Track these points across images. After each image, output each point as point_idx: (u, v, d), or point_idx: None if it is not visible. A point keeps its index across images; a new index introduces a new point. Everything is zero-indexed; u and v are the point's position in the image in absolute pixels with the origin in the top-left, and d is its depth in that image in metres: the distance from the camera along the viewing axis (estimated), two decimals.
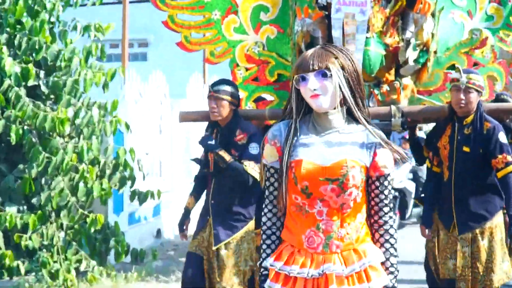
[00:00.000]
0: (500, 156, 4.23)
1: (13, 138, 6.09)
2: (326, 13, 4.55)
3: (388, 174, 2.24)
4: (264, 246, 2.36)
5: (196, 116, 5.40)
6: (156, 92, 8.72)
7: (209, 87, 4.73)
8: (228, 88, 4.42)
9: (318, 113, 2.21)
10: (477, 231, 4.21)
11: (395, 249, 2.28)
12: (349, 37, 4.37)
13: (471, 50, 4.98)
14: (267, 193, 2.30)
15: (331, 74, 2.11)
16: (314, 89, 2.11)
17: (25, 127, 6.26)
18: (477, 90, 4.24)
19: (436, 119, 4.94)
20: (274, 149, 2.24)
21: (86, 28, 6.92)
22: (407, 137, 6.70)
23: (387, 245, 2.28)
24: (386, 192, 2.27)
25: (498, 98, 5.25)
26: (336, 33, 4.39)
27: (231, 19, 5.38)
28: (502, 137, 4.35)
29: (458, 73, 4.26)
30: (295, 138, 2.20)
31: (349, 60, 2.19)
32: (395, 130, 4.80)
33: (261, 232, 2.40)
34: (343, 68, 2.15)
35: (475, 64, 4.97)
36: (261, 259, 2.35)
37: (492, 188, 4.41)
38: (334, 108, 2.18)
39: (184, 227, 4.84)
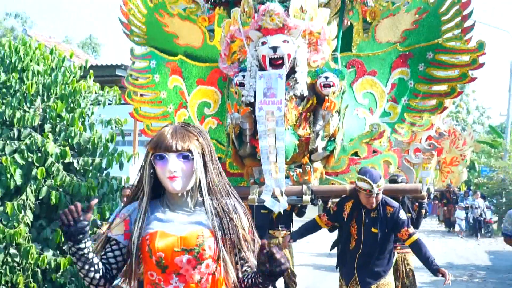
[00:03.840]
0: (403, 230, 4.96)
1: (53, 200, 6.80)
2: (251, 109, 4.87)
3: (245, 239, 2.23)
4: None
5: None
6: None
7: None
8: None
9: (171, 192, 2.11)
10: (373, 286, 4.93)
11: None
12: (270, 131, 4.70)
13: (371, 140, 5.39)
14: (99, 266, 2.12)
15: (192, 158, 2.09)
16: (174, 171, 2.05)
17: (62, 193, 6.96)
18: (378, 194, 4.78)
19: (340, 196, 5.43)
20: (122, 223, 2.16)
21: (109, 122, 7.76)
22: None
23: None
24: (248, 264, 2.24)
25: (391, 179, 5.89)
26: (260, 127, 4.71)
27: (181, 112, 5.94)
28: (402, 214, 5.08)
29: (369, 185, 4.71)
30: (147, 214, 2.12)
31: (207, 140, 2.19)
32: (306, 204, 5.25)
33: None
34: (203, 149, 2.13)
35: (374, 151, 5.40)
36: None
37: (387, 254, 5.10)
38: (187, 191, 2.14)
39: None
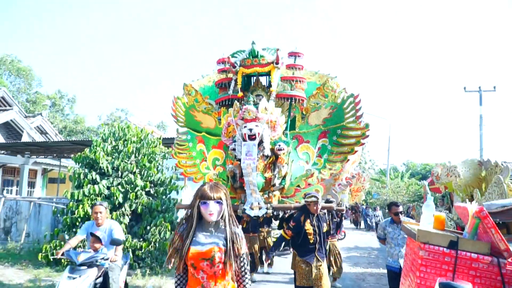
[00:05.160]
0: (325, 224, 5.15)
1: (138, 211, 7.41)
2: (239, 162, 5.14)
3: (243, 253, 2.37)
4: (176, 285, 2.42)
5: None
6: None
7: None
8: None
9: (207, 221, 2.32)
10: (321, 263, 4.99)
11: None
12: (250, 175, 5.03)
13: (307, 178, 5.83)
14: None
15: (222, 203, 2.29)
16: (211, 211, 2.26)
17: (143, 207, 7.50)
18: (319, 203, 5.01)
19: (288, 209, 5.62)
20: (178, 238, 2.35)
21: (174, 168, 8.01)
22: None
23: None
24: (243, 263, 2.37)
25: (326, 199, 6.06)
26: (244, 172, 5.04)
27: (203, 164, 6.37)
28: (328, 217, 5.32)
29: (316, 198, 4.98)
30: (190, 236, 2.29)
31: (227, 192, 2.38)
32: (269, 215, 5.40)
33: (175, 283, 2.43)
34: (226, 198, 2.34)
35: (309, 184, 5.80)
36: None
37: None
38: (217, 221, 2.34)
39: None
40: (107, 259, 4.57)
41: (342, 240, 14.32)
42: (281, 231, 5.16)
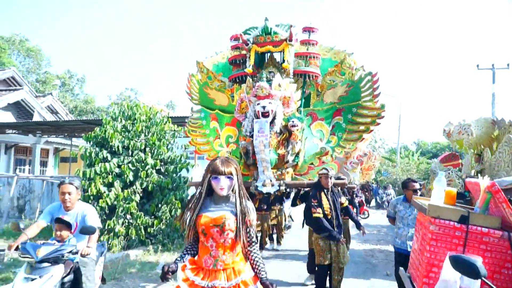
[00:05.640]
0: (340, 200, 5.22)
1: (149, 189, 7.47)
2: (252, 139, 5.22)
3: (253, 225, 2.42)
4: (184, 251, 2.45)
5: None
6: None
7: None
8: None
9: (218, 195, 2.37)
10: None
11: (261, 261, 2.40)
12: (262, 152, 5.11)
13: (321, 156, 5.79)
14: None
15: (232, 178, 2.33)
16: (222, 186, 2.31)
17: (154, 185, 7.55)
18: (331, 177, 4.99)
19: (301, 186, 5.53)
20: (189, 209, 2.39)
21: (184, 146, 8.52)
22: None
23: (257, 261, 2.39)
24: (250, 234, 2.41)
25: (337, 177, 5.81)
26: (257, 150, 5.11)
27: (217, 141, 6.42)
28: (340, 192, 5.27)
29: (326, 170, 5.02)
30: (199, 205, 2.36)
31: (237, 166, 2.40)
32: (281, 192, 5.41)
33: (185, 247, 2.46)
34: (236, 172, 2.37)
35: (323, 162, 5.75)
36: (181, 255, 2.41)
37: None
38: (227, 195, 2.39)
39: None
40: (76, 252, 3.55)
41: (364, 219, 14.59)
42: (313, 214, 4.94)
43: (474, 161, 6.36)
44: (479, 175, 6.53)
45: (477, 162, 6.29)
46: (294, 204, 6.06)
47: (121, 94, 38.12)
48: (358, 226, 5.41)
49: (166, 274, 2.30)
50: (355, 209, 7.20)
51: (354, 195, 7.98)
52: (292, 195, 7.37)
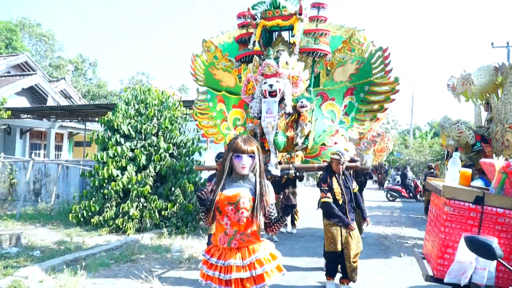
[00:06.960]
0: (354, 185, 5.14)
1: (163, 172, 7.59)
2: (259, 121, 5.05)
3: (272, 203, 2.39)
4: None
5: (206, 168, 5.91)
6: None
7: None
8: None
9: (239, 173, 2.36)
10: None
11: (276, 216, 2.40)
12: (270, 134, 4.94)
13: (331, 136, 5.52)
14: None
15: (254, 157, 2.32)
16: (244, 164, 2.30)
17: (167, 168, 7.65)
18: (344, 163, 4.88)
19: (311, 169, 5.44)
20: (209, 187, 2.42)
21: (195, 130, 7.96)
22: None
23: (273, 217, 2.40)
24: (270, 210, 2.39)
25: (351, 159, 5.43)
26: (265, 131, 4.95)
27: (223, 124, 6.24)
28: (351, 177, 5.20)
29: (339, 156, 4.85)
30: (221, 185, 2.36)
31: (258, 146, 2.38)
32: (291, 175, 5.26)
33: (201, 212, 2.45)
34: (258, 150, 2.35)
35: (335, 142, 5.42)
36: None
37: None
38: (248, 174, 2.37)
39: None
40: None
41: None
42: (322, 199, 4.88)
43: (484, 110, 6.40)
44: (489, 125, 6.65)
45: (486, 111, 6.31)
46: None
47: (133, 78, 38.18)
48: (364, 216, 5.31)
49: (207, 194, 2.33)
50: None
51: (368, 178, 7.85)
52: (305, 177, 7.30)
